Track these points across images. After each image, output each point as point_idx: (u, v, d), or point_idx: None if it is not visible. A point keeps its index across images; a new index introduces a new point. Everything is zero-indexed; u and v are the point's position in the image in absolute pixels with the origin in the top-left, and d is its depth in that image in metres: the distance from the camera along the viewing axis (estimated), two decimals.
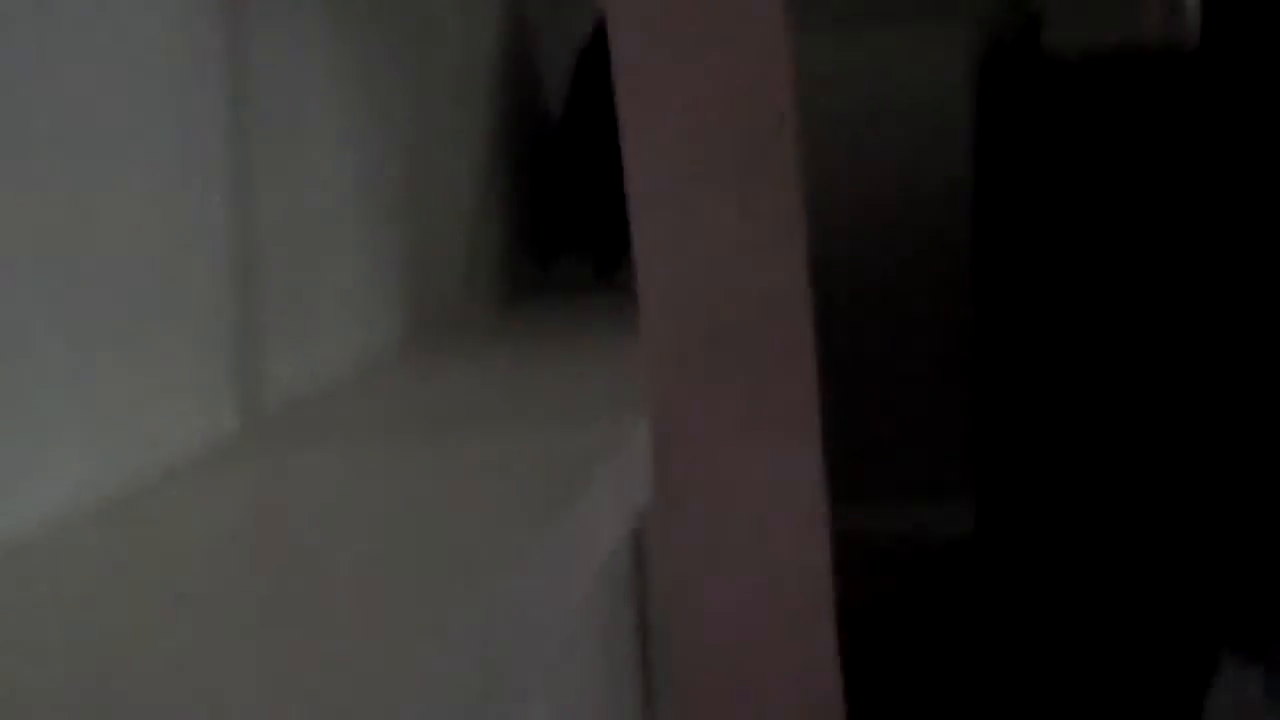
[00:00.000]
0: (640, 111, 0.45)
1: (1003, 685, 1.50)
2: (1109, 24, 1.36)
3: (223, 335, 0.57)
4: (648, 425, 0.49)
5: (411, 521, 0.38)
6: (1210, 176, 1.32)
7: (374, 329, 0.80)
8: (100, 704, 0.21)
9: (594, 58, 1.22)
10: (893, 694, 1.56)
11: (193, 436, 0.53)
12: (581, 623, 0.89)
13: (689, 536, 0.46)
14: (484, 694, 0.25)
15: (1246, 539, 1.37)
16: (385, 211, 0.84)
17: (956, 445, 1.67)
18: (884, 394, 1.74)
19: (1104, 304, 1.40)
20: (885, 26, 1.70)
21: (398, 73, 0.87)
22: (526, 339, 0.90)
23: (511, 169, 1.20)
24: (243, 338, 0.59)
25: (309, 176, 0.70)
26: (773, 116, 0.47)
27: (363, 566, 0.31)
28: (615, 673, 1.01)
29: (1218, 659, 1.33)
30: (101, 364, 0.45)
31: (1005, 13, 1.60)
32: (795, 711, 0.47)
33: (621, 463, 0.48)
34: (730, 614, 0.47)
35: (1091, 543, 1.45)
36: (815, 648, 0.46)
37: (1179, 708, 1.36)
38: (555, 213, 1.26)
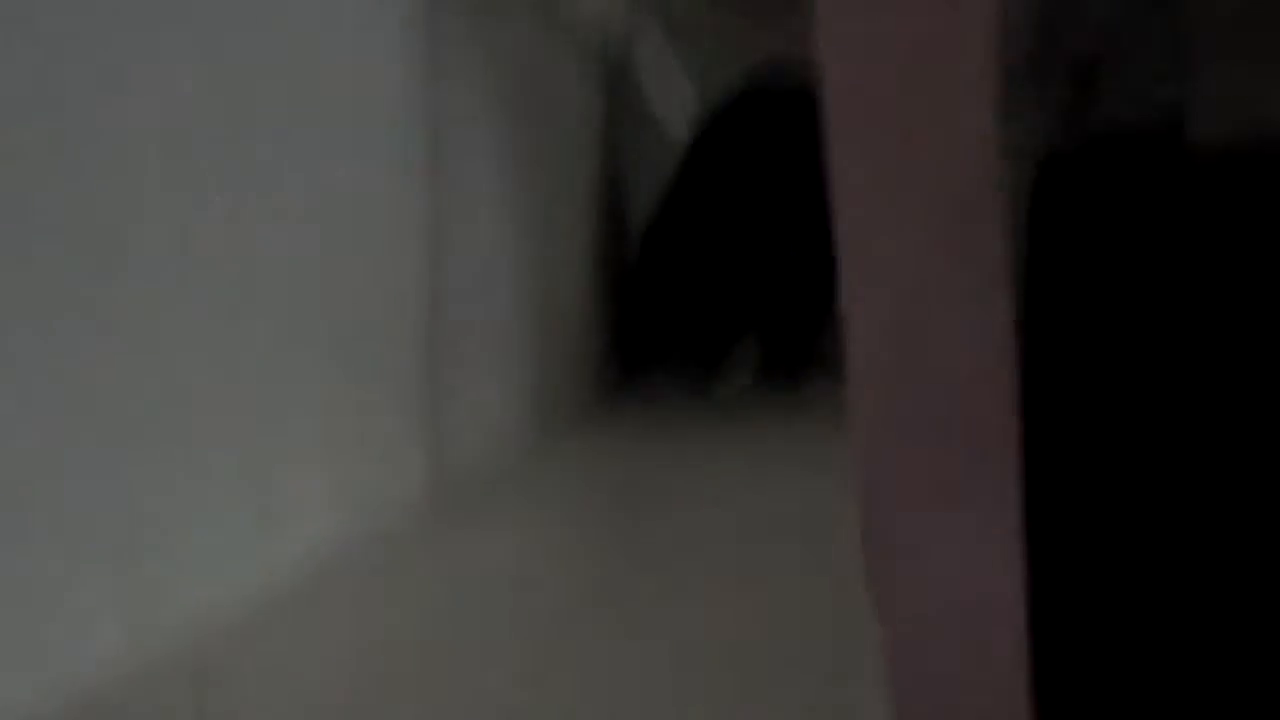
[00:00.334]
0: (848, 206, 0.44)
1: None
2: (1259, 115, 1.32)
3: (418, 408, 0.57)
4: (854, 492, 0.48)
5: None
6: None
7: (512, 422, 0.80)
8: None
9: (698, 156, 1.21)
10: None
11: (394, 501, 0.53)
12: None
13: (894, 605, 0.44)
14: None
15: None
16: (528, 316, 0.84)
17: None
18: None
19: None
20: None
21: (539, 192, 0.88)
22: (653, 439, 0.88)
23: (609, 286, 1.21)
24: (433, 412, 0.59)
25: (481, 281, 0.71)
26: (986, 179, 0.46)
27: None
28: None
29: None
30: (339, 431, 0.45)
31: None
32: None
33: None
34: (933, 680, 0.46)
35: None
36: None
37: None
38: (649, 325, 1.24)
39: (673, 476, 0.62)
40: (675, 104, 2.03)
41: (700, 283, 1.17)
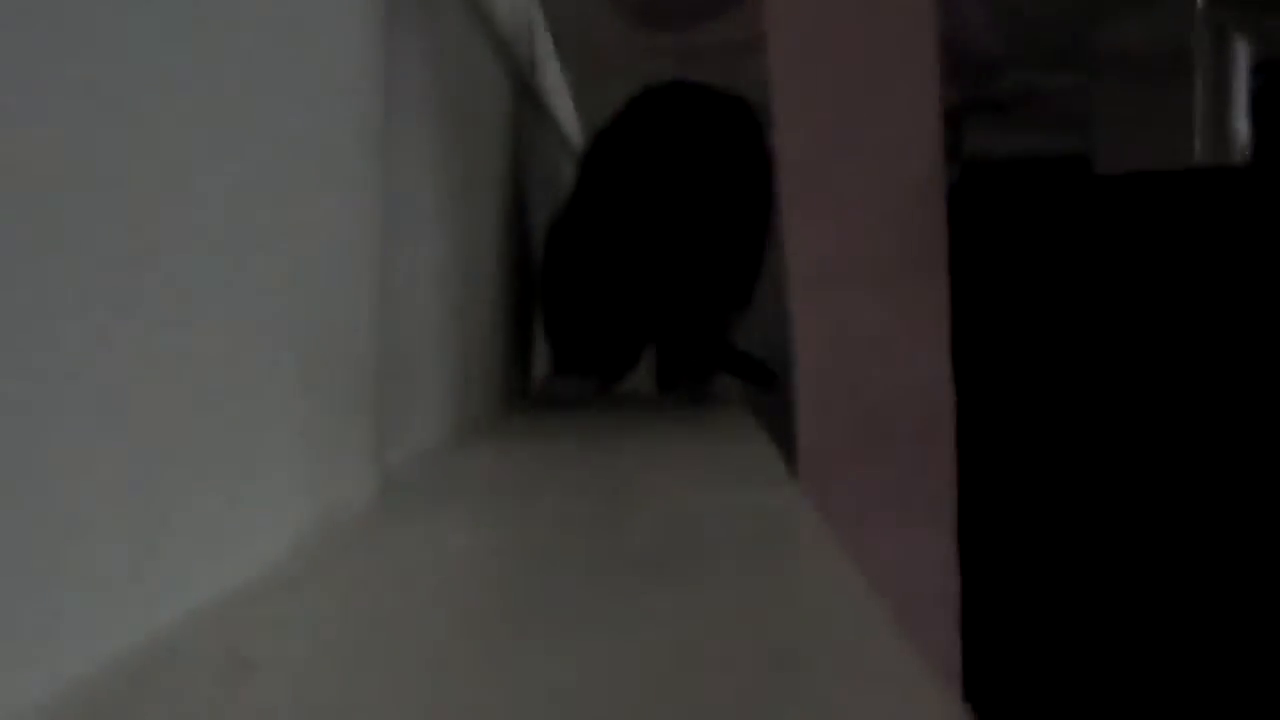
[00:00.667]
0: (800, 216, 0.49)
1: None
2: (1159, 154, 1.42)
3: (371, 404, 0.61)
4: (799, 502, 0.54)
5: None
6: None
7: (433, 425, 0.85)
8: None
9: (595, 162, 1.21)
10: None
11: (355, 498, 0.57)
12: None
13: None
14: None
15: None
16: (454, 324, 0.89)
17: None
18: None
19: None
20: None
21: (464, 203, 0.92)
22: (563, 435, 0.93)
23: (519, 293, 1.25)
24: (382, 406, 0.64)
25: (420, 289, 0.75)
26: (928, 218, 0.52)
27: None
28: None
29: None
30: (316, 416, 0.49)
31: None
32: None
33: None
34: None
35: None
36: None
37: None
38: (560, 326, 1.25)
39: (574, 469, 0.68)
40: (571, 112, 2.08)
41: (600, 290, 1.19)
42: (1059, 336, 1.39)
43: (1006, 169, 1.47)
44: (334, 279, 0.55)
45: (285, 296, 0.47)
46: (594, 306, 1.20)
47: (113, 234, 0.32)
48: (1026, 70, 1.84)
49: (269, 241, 0.45)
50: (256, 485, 0.44)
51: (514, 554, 0.47)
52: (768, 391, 1.14)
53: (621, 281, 1.16)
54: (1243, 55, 1.51)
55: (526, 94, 1.41)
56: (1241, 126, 1.50)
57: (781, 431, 0.71)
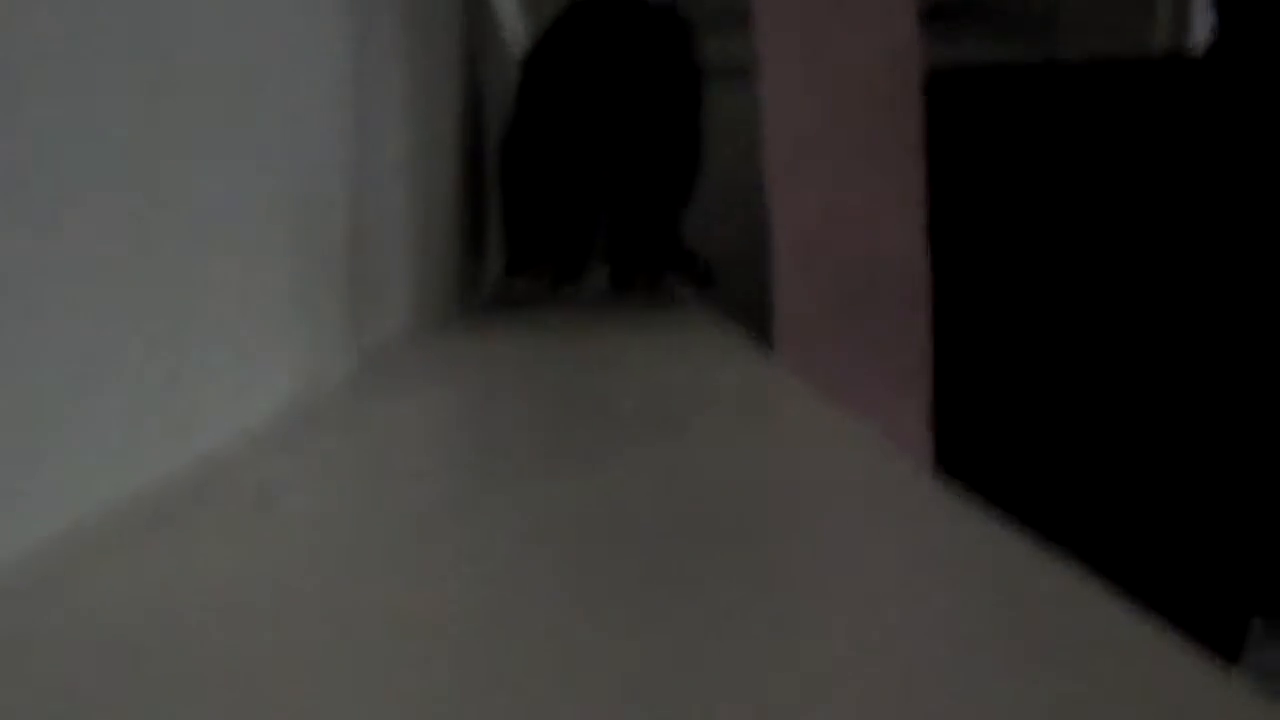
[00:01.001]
0: (776, 87, 0.51)
1: None
2: (1118, 37, 1.45)
3: (346, 290, 0.63)
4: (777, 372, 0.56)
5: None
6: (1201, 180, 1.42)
7: (398, 312, 0.86)
8: None
9: (537, 70, 1.25)
10: None
11: (334, 373, 0.59)
12: None
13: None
14: None
15: (1272, 504, 1.46)
16: (416, 223, 0.90)
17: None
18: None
19: (1077, 311, 1.49)
20: None
21: (423, 106, 0.93)
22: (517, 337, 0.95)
23: (474, 186, 1.27)
24: (355, 293, 0.66)
25: (388, 188, 0.77)
26: (903, 89, 0.54)
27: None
28: None
29: (1247, 625, 1.41)
30: (275, 305, 0.51)
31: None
32: None
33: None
34: None
35: (1106, 506, 1.51)
36: None
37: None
38: (513, 228, 1.30)
39: (542, 352, 0.70)
40: (518, 20, 2.09)
41: (551, 192, 1.23)
42: (1028, 216, 1.42)
43: (970, 77, 1.49)
44: (315, 164, 0.56)
45: (276, 176, 0.49)
46: (546, 200, 1.25)
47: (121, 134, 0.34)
48: None
49: (263, 131, 0.47)
50: (253, 345, 0.46)
51: (494, 414, 0.49)
52: (704, 289, 1.20)
53: (570, 176, 1.21)
54: None
55: (476, 5, 1.42)
56: (1203, 16, 1.53)
57: (750, 323, 0.73)
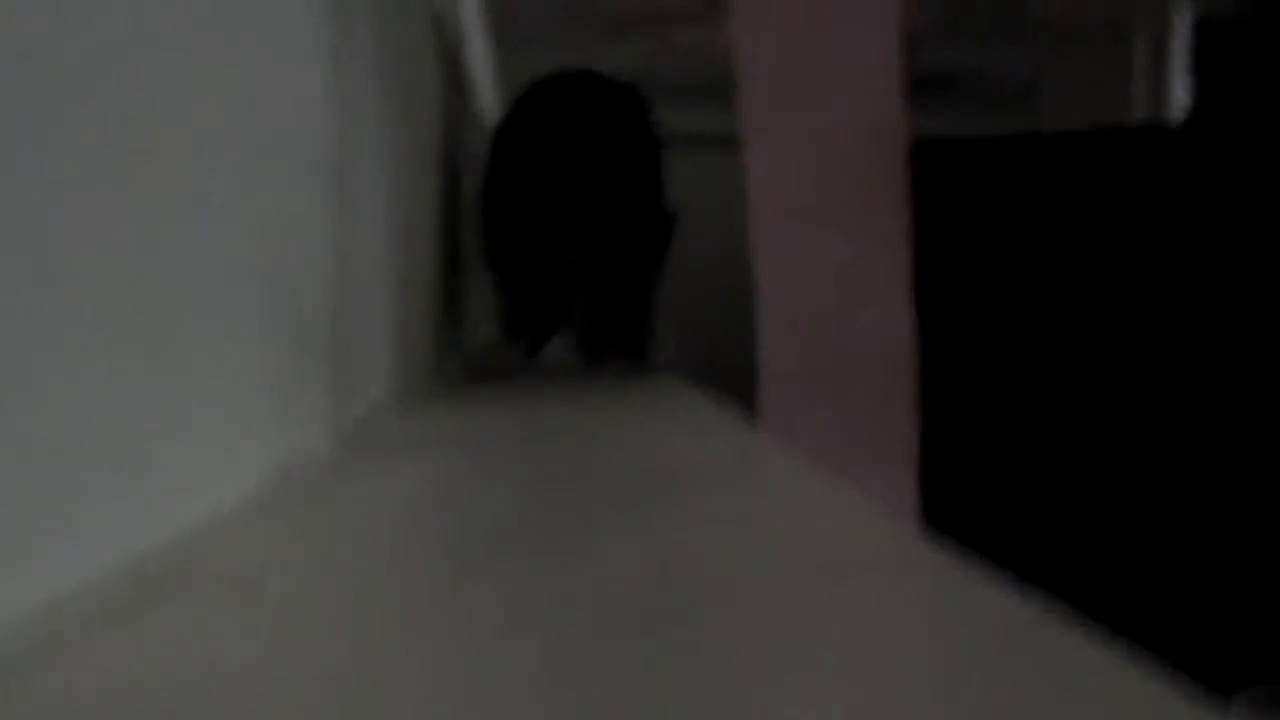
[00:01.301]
0: (762, 158, 0.51)
1: None
2: (1097, 108, 1.47)
3: (323, 362, 0.63)
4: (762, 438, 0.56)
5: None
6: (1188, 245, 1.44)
7: (378, 387, 0.86)
8: None
9: (504, 145, 1.28)
10: None
11: (315, 444, 0.59)
12: None
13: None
14: None
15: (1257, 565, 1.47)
16: (397, 291, 0.91)
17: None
18: None
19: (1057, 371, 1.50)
20: None
21: (406, 178, 0.94)
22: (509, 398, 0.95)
23: (451, 258, 1.29)
24: (337, 366, 0.66)
25: (372, 259, 0.77)
26: (888, 161, 0.54)
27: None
28: None
29: (1234, 682, 1.41)
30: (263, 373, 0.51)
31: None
32: None
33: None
34: None
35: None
36: None
37: None
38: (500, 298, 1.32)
39: (524, 425, 0.70)
40: (491, 92, 2.10)
41: (520, 266, 1.25)
42: (1013, 283, 1.45)
43: (952, 148, 1.52)
44: (301, 234, 0.56)
45: (262, 245, 0.49)
46: (517, 274, 1.27)
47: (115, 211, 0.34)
48: (962, 45, 1.88)
49: (249, 199, 0.47)
50: (235, 416, 0.46)
51: (477, 488, 0.49)
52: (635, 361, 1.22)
53: (537, 250, 1.23)
54: (1184, 15, 1.56)
55: (456, 70, 1.43)
56: (1180, 86, 1.56)
57: (732, 393, 0.73)
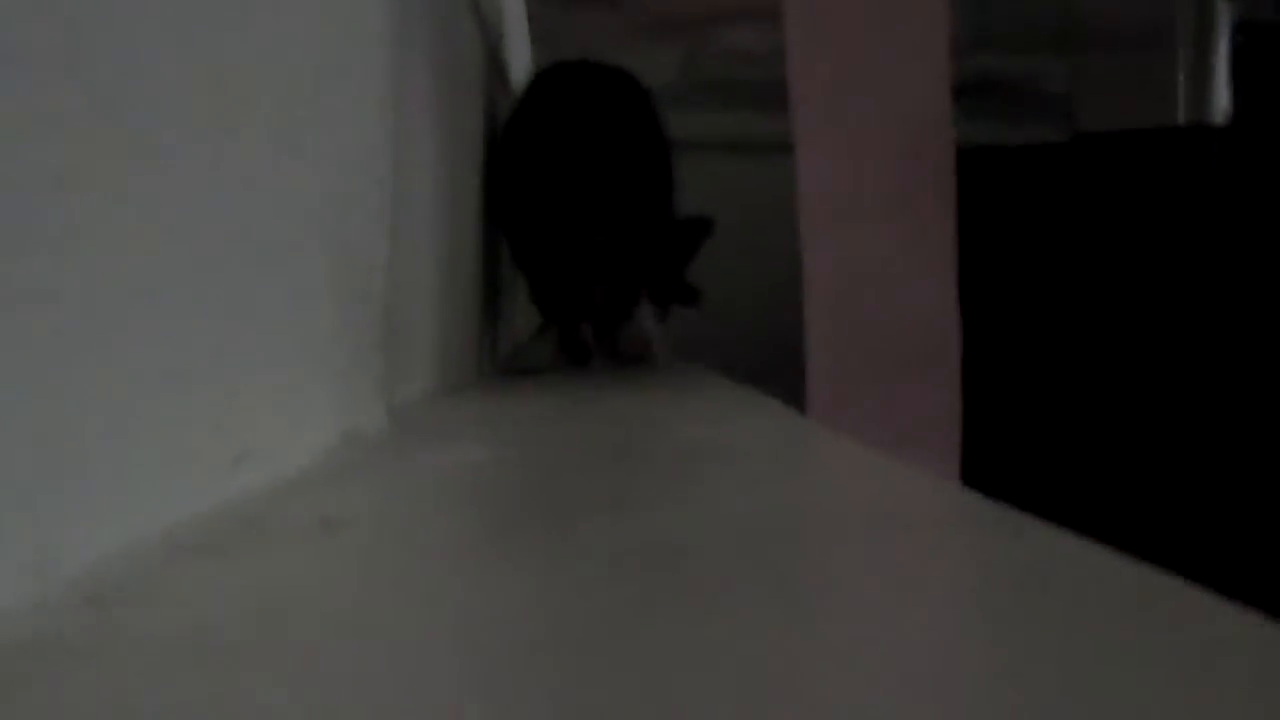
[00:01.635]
0: (811, 152, 0.54)
1: None
2: (1138, 115, 1.50)
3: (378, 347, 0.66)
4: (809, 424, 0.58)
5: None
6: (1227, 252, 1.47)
7: (424, 377, 0.89)
8: None
9: (512, 140, 1.29)
10: None
11: (368, 424, 0.62)
12: None
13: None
14: None
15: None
16: (442, 286, 0.94)
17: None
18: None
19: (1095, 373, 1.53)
20: None
21: (454, 171, 0.96)
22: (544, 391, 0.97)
23: (490, 254, 1.31)
24: (389, 353, 0.69)
25: (420, 256, 0.80)
26: (926, 157, 0.57)
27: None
28: None
29: None
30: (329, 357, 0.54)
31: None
32: None
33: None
34: None
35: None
36: None
37: None
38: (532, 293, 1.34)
39: (567, 410, 0.73)
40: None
41: (542, 263, 1.27)
42: (1058, 287, 1.48)
43: (997, 155, 1.55)
44: (360, 222, 0.59)
45: (326, 228, 0.52)
46: (543, 271, 1.28)
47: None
48: (1004, 54, 1.90)
49: (314, 179, 0.50)
50: (299, 386, 0.49)
51: (531, 461, 0.52)
52: (693, 307, 1.23)
53: (554, 247, 1.24)
54: (1225, 19, 1.58)
55: (496, 69, 1.46)
56: (1222, 91, 1.58)
57: (776, 390, 0.75)
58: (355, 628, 0.26)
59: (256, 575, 0.31)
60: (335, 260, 0.55)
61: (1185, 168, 1.47)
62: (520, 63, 1.98)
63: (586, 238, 1.19)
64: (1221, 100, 1.59)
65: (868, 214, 0.57)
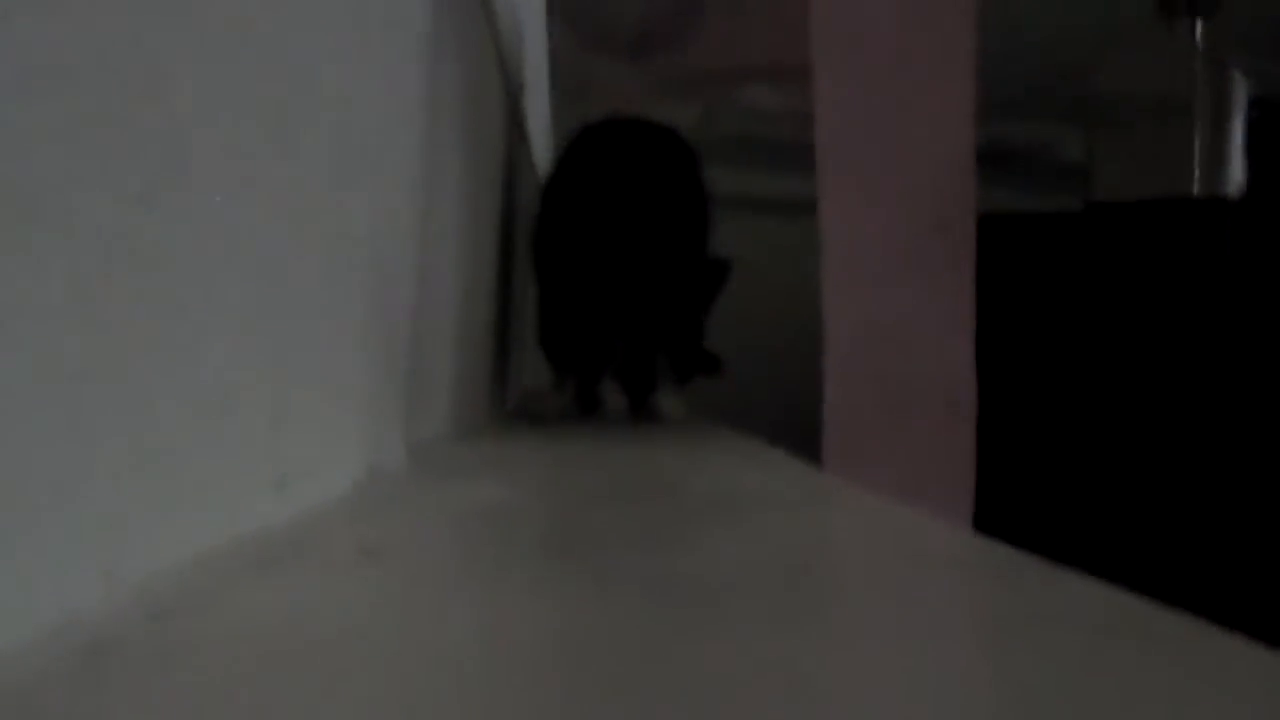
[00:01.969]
0: (837, 211, 0.56)
1: None
2: (1153, 186, 1.53)
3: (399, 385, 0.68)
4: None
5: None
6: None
7: (439, 419, 0.91)
8: None
9: (554, 195, 1.32)
10: None
11: (390, 461, 0.64)
12: None
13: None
14: None
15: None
16: (458, 332, 0.96)
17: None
18: None
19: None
20: None
21: (474, 221, 0.99)
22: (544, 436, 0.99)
23: (504, 305, 1.34)
24: (410, 393, 0.71)
25: (442, 297, 0.83)
26: (948, 216, 0.59)
27: None
28: None
29: None
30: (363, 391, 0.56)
31: None
32: None
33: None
34: None
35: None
36: None
37: None
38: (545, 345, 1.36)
39: (572, 460, 0.75)
40: (545, 142, 2.16)
41: (568, 316, 1.29)
42: (1069, 348, 1.51)
43: (1007, 224, 1.57)
44: (391, 269, 0.62)
45: (360, 276, 0.54)
46: (566, 324, 1.30)
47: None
48: (1018, 121, 1.93)
49: (352, 226, 0.52)
50: (332, 428, 0.51)
51: (548, 500, 0.54)
52: (715, 376, 1.25)
53: (583, 300, 1.26)
54: (1241, 93, 1.61)
55: (515, 119, 1.49)
56: (1237, 164, 1.61)
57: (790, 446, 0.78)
58: (398, 649, 0.28)
59: (305, 595, 0.33)
60: (370, 299, 0.57)
61: (1198, 239, 1.50)
62: (539, 112, 2.01)
63: (617, 292, 1.21)
64: (1236, 173, 1.62)
65: (889, 274, 0.59)
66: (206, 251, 0.35)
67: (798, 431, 1.13)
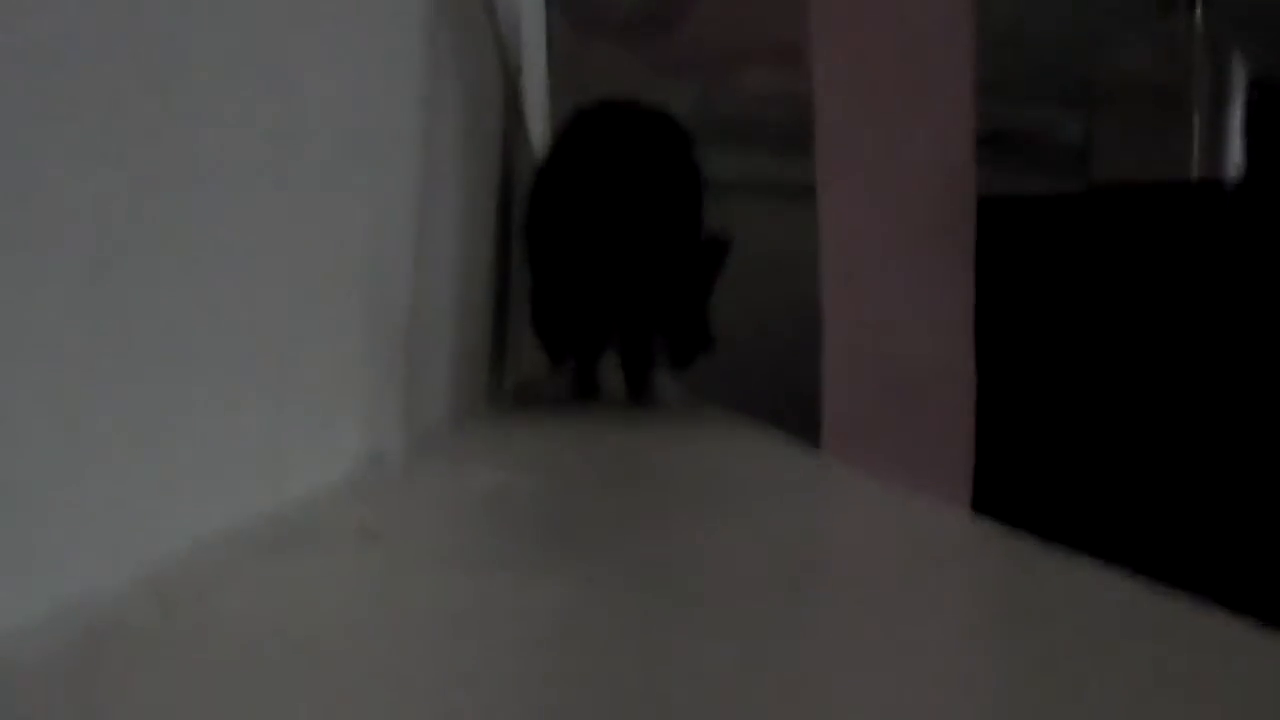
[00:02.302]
0: (835, 199, 0.57)
1: None
2: (1151, 169, 1.54)
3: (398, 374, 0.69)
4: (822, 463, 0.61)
5: None
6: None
7: (437, 407, 0.92)
8: None
9: (547, 178, 1.32)
10: None
11: (391, 449, 0.65)
12: None
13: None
14: None
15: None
16: (455, 320, 0.96)
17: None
18: None
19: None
20: None
21: (471, 207, 1.00)
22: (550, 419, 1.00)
23: (501, 291, 1.34)
24: (409, 382, 0.71)
25: (439, 283, 0.83)
26: (948, 202, 0.60)
27: None
28: None
29: None
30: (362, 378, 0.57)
31: None
32: None
33: None
34: None
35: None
36: None
37: None
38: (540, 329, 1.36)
39: (571, 445, 0.75)
40: (541, 128, 2.16)
41: (563, 300, 1.30)
42: (1068, 331, 1.52)
43: (1004, 206, 1.58)
44: (389, 257, 0.62)
45: (359, 265, 0.55)
46: (562, 308, 1.30)
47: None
48: (1015, 104, 1.94)
49: (348, 218, 0.53)
50: (332, 415, 0.52)
51: (547, 487, 0.54)
52: (708, 354, 1.26)
53: (579, 284, 1.26)
54: (1240, 76, 1.62)
55: (513, 102, 1.49)
56: (1236, 147, 1.62)
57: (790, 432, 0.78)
58: (398, 632, 0.29)
59: (308, 576, 0.33)
60: (369, 290, 0.58)
61: (1197, 222, 1.51)
62: (536, 96, 2.02)
63: (610, 275, 1.21)
64: (1235, 157, 1.63)
65: (889, 259, 0.60)
66: (206, 239, 0.36)
67: (798, 415, 1.14)
